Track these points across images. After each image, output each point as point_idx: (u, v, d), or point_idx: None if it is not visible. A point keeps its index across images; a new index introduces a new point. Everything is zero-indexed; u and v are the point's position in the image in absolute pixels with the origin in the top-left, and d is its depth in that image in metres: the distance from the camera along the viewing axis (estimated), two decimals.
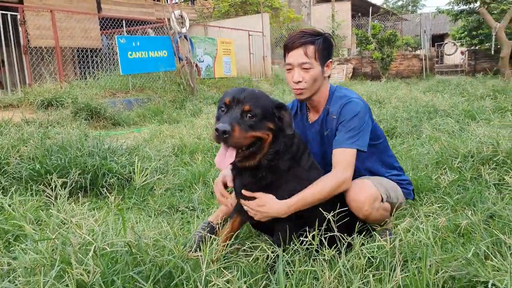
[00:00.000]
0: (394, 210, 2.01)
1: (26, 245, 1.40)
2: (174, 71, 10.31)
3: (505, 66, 7.60)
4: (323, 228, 1.68)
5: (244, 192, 1.79)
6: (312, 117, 2.16)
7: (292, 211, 1.76)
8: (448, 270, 1.47)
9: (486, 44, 17.97)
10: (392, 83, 14.68)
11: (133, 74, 9.60)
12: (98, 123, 6.85)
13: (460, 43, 21.55)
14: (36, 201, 2.38)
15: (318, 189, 1.79)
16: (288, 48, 1.98)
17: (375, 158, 2.12)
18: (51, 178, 2.89)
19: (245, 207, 1.84)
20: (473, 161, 2.87)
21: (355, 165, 1.90)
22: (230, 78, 12.45)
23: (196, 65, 10.85)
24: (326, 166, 2.00)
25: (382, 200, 1.93)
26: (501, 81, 7.59)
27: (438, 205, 2.29)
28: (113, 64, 10.26)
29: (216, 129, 1.51)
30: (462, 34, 19.10)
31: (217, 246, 1.72)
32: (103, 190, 3.22)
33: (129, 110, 8.39)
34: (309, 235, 1.68)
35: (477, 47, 18.81)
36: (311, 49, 1.92)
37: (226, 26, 14.18)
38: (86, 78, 9.27)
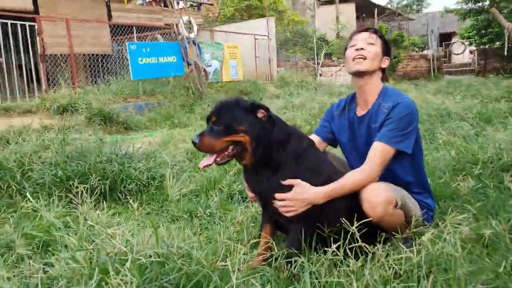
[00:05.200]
0: (413, 223, 1.98)
1: (63, 254, 1.44)
2: (183, 76, 10.38)
3: None
4: (345, 237, 1.69)
5: (285, 182, 1.84)
6: (361, 111, 2.19)
7: (327, 197, 1.84)
8: (476, 284, 1.47)
9: (497, 43, 17.77)
10: (400, 85, 14.64)
11: (143, 79, 9.69)
12: (111, 127, 6.92)
13: (468, 42, 21.37)
14: (62, 207, 2.42)
15: (350, 182, 1.89)
16: (355, 33, 2.18)
17: (408, 169, 2.10)
18: (73, 184, 2.98)
19: (276, 204, 1.85)
20: (493, 167, 2.85)
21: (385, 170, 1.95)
22: (236, 82, 12.51)
23: (204, 70, 10.91)
24: None
25: (396, 206, 1.91)
26: None
27: (459, 214, 2.28)
28: (124, 69, 10.37)
29: (191, 140, 1.83)
30: (471, 33, 18.95)
31: (245, 255, 1.74)
32: (122, 196, 3.28)
33: (141, 114, 8.47)
34: (329, 243, 1.72)
35: (486, 46, 18.61)
36: (374, 35, 2.12)
37: (232, 30, 14.23)
38: (97, 83, 9.37)
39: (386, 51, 2.14)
